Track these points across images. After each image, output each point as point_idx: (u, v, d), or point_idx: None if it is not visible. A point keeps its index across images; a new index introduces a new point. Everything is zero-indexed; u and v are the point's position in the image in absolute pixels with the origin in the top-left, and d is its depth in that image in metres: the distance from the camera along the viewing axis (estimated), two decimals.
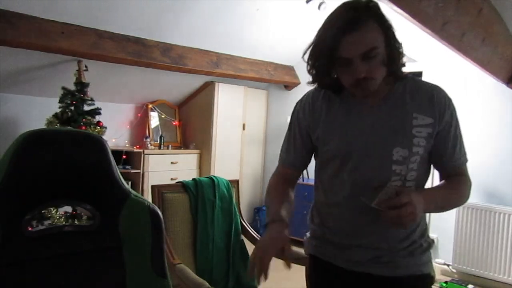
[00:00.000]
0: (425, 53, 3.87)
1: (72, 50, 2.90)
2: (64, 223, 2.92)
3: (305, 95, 1.27)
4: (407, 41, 4.44)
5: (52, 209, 2.91)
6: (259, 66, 4.44)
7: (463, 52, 2.27)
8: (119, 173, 1.13)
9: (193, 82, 4.37)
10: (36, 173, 0.99)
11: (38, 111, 3.33)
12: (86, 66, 3.23)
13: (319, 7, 3.43)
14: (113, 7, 2.87)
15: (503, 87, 3.39)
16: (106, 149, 1.10)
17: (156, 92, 4.34)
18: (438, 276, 3.69)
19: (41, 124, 3.07)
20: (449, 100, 1.15)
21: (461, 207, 3.57)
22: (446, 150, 1.16)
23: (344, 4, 1.07)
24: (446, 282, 3.45)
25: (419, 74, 4.06)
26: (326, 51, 1.04)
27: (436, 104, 1.13)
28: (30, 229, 1.00)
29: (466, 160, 1.28)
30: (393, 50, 1.11)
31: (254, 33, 3.87)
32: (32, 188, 0.99)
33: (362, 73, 1.03)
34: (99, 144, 1.08)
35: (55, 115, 3.10)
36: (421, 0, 1.62)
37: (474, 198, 3.61)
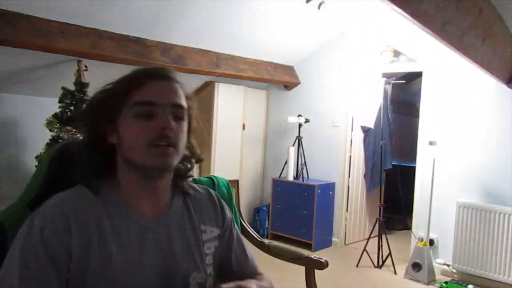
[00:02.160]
0: (425, 53, 3.87)
1: (72, 50, 2.90)
2: None
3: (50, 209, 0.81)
4: (407, 41, 4.46)
5: None
6: (259, 66, 4.44)
7: (463, 52, 2.27)
8: None
9: (193, 82, 4.36)
10: (68, 180, 1.04)
11: (37, 111, 3.33)
12: (86, 66, 3.22)
13: (319, 7, 3.44)
14: (113, 7, 2.87)
15: (503, 87, 3.39)
16: None
17: None
18: (438, 276, 3.70)
19: (41, 124, 3.06)
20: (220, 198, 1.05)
21: (461, 207, 3.58)
22: (238, 261, 1.03)
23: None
24: (446, 282, 3.45)
25: (419, 74, 4.07)
26: (120, 93, 0.85)
27: (218, 208, 1.02)
28: None
29: (255, 262, 1.08)
30: (191, 142, 0.94)
31: (254, 33, 3.87)
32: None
33: (172, 124, 0.84)
34: None
35: (55, 115, 3.09)
36: (421, 0, 1.62)
37: (474, 198, 3.61)
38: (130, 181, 0.87)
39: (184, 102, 0.89)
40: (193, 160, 0.97)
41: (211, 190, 1.05)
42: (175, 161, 0.87)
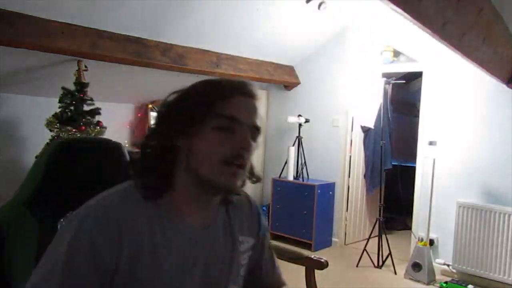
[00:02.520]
0: (425, 53, 3.87)
1: (72, 50, 2.89)
2: None
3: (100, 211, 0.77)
4: (407, 41, 4.45)
5: None
6: (259, 66, 4.44)
7: (463, 52, 2.27)
8: None
9: (193, 82, 4.36)
10: (67, 178, 1.09)
11: (38, 111, 3.33)
12: (86, 66, 3.22)
13: (319, 7, 3.44)
14: (113, 7, 2.87)
15: (503, 87, 3.39)
16: (124, 155, 1.17)
17: (156, 92, 4.34)
18: (438, 276, 3.70)
19: (41, 124, 3.07)
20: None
21: (461, 207, 3.58)
22: (267, 271, 1.02)
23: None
24: (446, 282, 3.45)
25: (419, 74, 4.07)
26: (205, 102, 0.81)
27: (255, 216, 1.00)
28: None
29: (280, 270, 1.07)
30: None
31: (254, 33, 3.87)
32: (63, 191, 1.08)
33: (251, 145, 0.81)
34: (118, 150, 1.17)
35: (55, 115, 3.10)
36: (421, 0, 1.62)
37: (474, 198, 3.61)
38: (186, 191, 0.83)
39: (259, 120, 0.86)
40: (249, 180, 0.92)
41: (250, 197, 1.02)
42: (241, 182, 0.84)
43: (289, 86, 4.99)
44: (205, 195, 0.84)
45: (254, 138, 0.84)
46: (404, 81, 4.49)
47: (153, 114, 4.44)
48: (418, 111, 4.08)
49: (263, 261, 1.02)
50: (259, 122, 0.85)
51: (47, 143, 3.03)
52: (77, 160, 1.10)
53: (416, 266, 3.61)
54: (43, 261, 0.74)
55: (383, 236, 3.97)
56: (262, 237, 1.01)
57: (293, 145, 4.61)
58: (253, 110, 0.84)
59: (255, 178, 0.92)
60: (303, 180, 4.51)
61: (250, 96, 0.84)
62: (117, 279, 0.75)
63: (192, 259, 0.83)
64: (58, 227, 0.96)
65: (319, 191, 4.35)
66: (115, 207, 0.77)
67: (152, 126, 0.84)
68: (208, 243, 0.86)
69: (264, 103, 5.22)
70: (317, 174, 4.63)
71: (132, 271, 0.75)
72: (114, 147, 1.17)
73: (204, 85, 0.85)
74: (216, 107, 0.80)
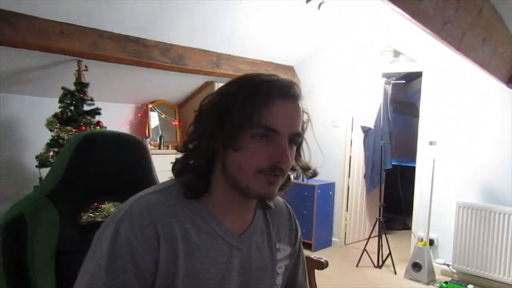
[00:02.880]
0: (425, 53, 3.87)
1: (72, 50, 2.90)
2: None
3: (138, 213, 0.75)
4: (407, 41, 4.45)
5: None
6: (259, 66, 4.44)
7: (463, 52, 2.27)
8: (156, 174, 1.20)
9: (193, 82, 4.36)
10: (89, 171, 1.09)
11: (38, 111, 3.33)
12: (86, 66, 3.22)
13: (319, 7, 3.44)
14: (113, 7, 2.87)
15: (503, 87, 3.39)
16: (147, 151, 1.17)
17: (156, 92, 4.34)
18: (438, 276, 3.70)
19: (41, 124, 3.07)
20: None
21: (461, 207, 3.58)
22: (300, 283, 1.00)
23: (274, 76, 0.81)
24: (446, 282, 3.45)
25: (419, 74, 4.07)
26: (248, 110, 0.74)
27: (293, 225, 0.97)
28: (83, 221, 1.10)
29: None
30: (300, 157, 0.88)
31: (254, 33, 3.87)
32: (85, 184, 1.09)
33: (288, 157, 0.77)
34: (141, 145, 1.18)
35: (55, 115, 3.09)
36: (421, 0, 1.62)
37: (474, 198, 3.61)
38: (223, 194, 0.80)
39: (300, 126, 0.80)
40: (305, 175, 0.91)
41: (287, 205, 1.00)
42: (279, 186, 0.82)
43: None
44: (242, 199, 0.81)
45: (295, 144, 0.81)
46: (404, 81, 4.49)
47: (153, 114, 4.44)
48: (418, 111, 4.08)
49: (299, 273, 1.00)
50: (300, 126, 0.80)
51: (47, 143, 3.03)
52: (101, 153, 1.10)
53: (416, 266, 3.61)
54: (84, 270, 0.73)
55: (383, 236, 3.97)
56: (299, 246, 0.99)
57: None
58: (293, 116, 0.78)
59: (311, 173, 0.90)
60: (303, 180, 4.50)
61: (292, 99, 0.77)
62: (157, 282, 0.73)
63: (230, 264, 0.81)
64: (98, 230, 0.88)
65: (319, 191, 4.35)
66: (152, 208, 0.75)
67: (193, 126, 0.82)
68: (245, 249, 0.84)
69: None
70: None
71: (171, 275, 0.73)
72: (137, 142, 1.17)
73: (241, 88, 0.77)
74: (254, 116, 0.74)
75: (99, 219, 1.17)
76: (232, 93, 0.77)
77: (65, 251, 0.99)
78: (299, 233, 0.99)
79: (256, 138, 0.75)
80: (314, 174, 0.91)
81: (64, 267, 0.97)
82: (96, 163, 1.09)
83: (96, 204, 2.91)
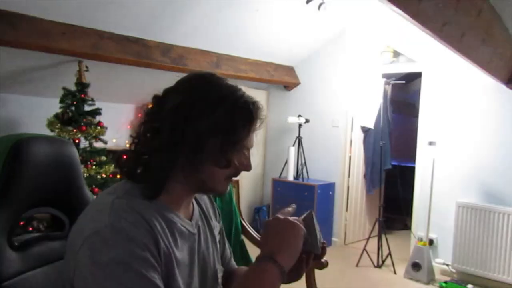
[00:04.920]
0: (424, 54, 3.88)
1: (73, 50, 2.90)
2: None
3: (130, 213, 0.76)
4: (407, 41, 4.44)
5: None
6: (259, 66, 4.45)
7: (462, 53, 2.28)
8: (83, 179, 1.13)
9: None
10: (23, 179, 0.98)
11: (38, 111, 3.34)
12: (86, 67, 3.23)
13: (319, 8, 3.44)
14: (113, 8, 2.88)
15: (502, 87, 3.40)
16: (75, 154, 1.11)
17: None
18: (438, 276, 3.71)
19: (42, 125, 3.07)
20: None
21: (460, 207, 3.59)
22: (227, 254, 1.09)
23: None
24: (445, 282, 3.46)
25: (419, 74, 4.08)
26: (242, 137, 0.83)
27: (213, 203, 1.07)
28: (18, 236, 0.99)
29: None
30: None
31: (254, 33, 3.88)
32: (20, 194, 0.98)
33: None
34: (71, 148, 1.12)
35: (56, 116, 3.10)
36: (421, 1, 1.62)
37: (474, 198, 3.62)
38: (179, 192, 0.85)
39: None
40: None
41: None
42: None
43: (289, 86, 4.99)
44: (191, 195, 0.90)
45: None
46: (403, 82, 4.50)
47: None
48: (417, 111, 4.09)
49: (226, 245, 1.09)
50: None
51: None
52: (35, 158, 1.01)
53: (416, 266, 3.62)
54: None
55: (383, 236, 3.98)
56: (221, 224, 1.08)
57: (293, 145, 4.62)
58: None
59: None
60: (303, 180, 4.52)
61: (263, 119, 0.86)
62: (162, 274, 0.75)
63: (193, 249, 0.88)
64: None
65: (319, 191, 4.36)
66: (133, 207, 0.76)
67: (149, 130, 0.82)
68: (197, 234, 0.91)
69: (264, 103, 5.23)
70: (317, 174, 4.64)
71: (167, 264, 0.77)
72: (65, 145, 1.11)
73: (228, 105, 0.81)
74: (246, 140, 0.84)
75: (34, 235, 1.06)
76: (216, 111, 0.79)
77: (7, 276, 0.90)
78: (218, 210, 1.08)
79: (239, 154, 0.84)
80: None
81: None
82: (29, 171, 0.98)
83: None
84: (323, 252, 0.93)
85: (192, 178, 0.83)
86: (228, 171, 0.84)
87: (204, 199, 1.03)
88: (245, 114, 0.82)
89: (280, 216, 0.88)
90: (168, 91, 0.87)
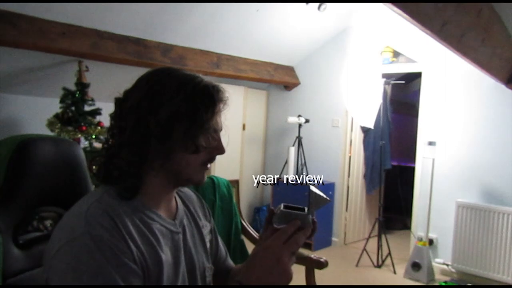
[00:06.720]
0: (424, 54, 3.88)
1: (73, 50, 2.90)
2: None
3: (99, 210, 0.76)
4: (407, 41, 4.46)
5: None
6: (259, 66, 4.45)
7: (462, 53, 2.28)
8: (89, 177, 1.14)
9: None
10: (28, 180, 1.00)
11: (38, 111, 3.34)
12: (87, 67, 3.23)
13: (319, 8, 3.45)
14: (113, 8, 2.88)
15: (502, 87, 3.40)
16: (80, 154, 1.12)
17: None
18: (438, 276, 3.71)
19: (42, 125, 3.07)
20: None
21: (460, 207, 3.59)
22: (222, 254, 1.10)
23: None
24: (445, 282, 3.46)
25: (419, 74, 4.08)
26: (206, 118, 0.83)
27: (203, 203, 1.07)
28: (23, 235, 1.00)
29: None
30: None
31: (254, 33, 3.88)
32: (24, 195, 0.99)
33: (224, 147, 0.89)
34: (75, 148, 1.13)
35: (56, 116, 3.10)
36: (420, 1, 1.63)
37: (474, 198, 3.62)
38: (155, 188, 0.85)
39: None
40: None
41: (192, 189, 1.09)
42: None
43: (289, 86, 5.00)
44: (170, 189, 0.89)
45: None
46: (403, 82, 4.50)
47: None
48: (417, 111, 4.09)
49: (219, 245, 1.09)
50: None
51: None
52: (40, 159, 1.02)
53: (416, 266, 3.62)
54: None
55: (383, 235, 3.98)
56: (213, 223, 1.08)
57: (293, 145, 4.62)
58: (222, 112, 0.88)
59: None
60: (303, 180, 4.51)
61: (225, 101, 0.87)
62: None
63: (176, 248, 0.87)
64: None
65: None
66: (108, 212, 0.75)
67: (124, 129, 0.82)
68: (182, 231, 0.91)
69: (264, 103, 5.23)
70: (317, 174, 4.64)
71: (144, 267, 0.76)
72: (71, 146, 1.12)
73: (187, 93, 0.82)
74: (211, 123, 0.84)
75: (39, 233, 1.06)
76: (176, 98, 0.81)
77: (12, 273, 0.92)
78: (210, 212, 1.09)
79: (206, 137, 0.84)
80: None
81: None
82: (35, 170, 1.00)
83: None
84: (314, 226, 0.94)
85: (167, 170, 0.83)
86: (201, 157, 0.85)
87: (193, 200, 1.03)
88: (205, 96, 0.83)
89: (278, 241, 0.86)
90: (128, 91, 0.88)
